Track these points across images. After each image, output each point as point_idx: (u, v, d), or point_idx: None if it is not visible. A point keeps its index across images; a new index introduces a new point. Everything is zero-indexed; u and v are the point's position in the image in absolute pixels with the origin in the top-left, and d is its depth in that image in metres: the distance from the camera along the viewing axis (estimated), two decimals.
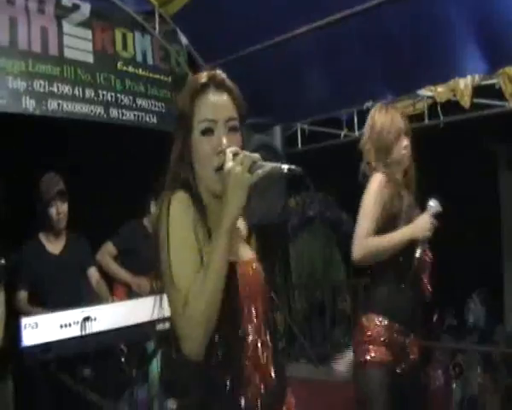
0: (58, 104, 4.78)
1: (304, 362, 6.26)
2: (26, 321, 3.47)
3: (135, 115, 5.34)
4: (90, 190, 5.06)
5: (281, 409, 1.88)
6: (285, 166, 1.69)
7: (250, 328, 1.78)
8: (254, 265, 1.84)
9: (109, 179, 5.43)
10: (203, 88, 1.82)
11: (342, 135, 6.31)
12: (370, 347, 2.89)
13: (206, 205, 1.82)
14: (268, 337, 1.83)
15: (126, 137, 5.50)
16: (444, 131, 5.47)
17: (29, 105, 4.58)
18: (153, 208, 4.85)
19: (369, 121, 3.15)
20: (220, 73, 1.87)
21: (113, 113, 5.18)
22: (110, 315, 3.82)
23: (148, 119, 5.44)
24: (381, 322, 2.91)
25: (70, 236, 4.45)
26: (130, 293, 4.71)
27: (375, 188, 2.96)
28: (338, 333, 6.99)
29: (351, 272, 7.51)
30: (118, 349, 3.94)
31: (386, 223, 2.92)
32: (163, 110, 5.59)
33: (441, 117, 5.44)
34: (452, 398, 5.41)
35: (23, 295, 4.16)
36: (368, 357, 2.89)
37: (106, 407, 3.88)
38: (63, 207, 4.30)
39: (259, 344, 1.80)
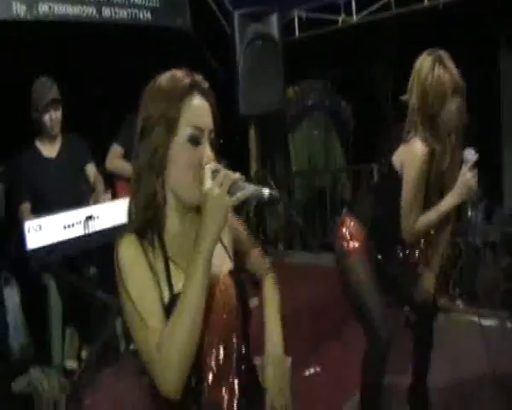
0: (49, 7, 4.68)
1: (305, 251, 6.39)
2: (29, 224, 3.49)
3: (128, 13, 5.21)
4: (86, 93, 4.97)
5: None
6: (266, 192, 1.59)
7: (211, 367, 1.72)
8: (224, 286, 1.75)
9: (105, 80, 5.35)
10: (190, 90, 1.67)
11: (340, 21, 6.18)
12: (352, 242, 3.11)
13: (166, 225, 1.71)
14: (233, 378, 1.77)
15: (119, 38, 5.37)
16: (443, 13, 5.36)
17: (20, 10, 4.50)
18: None
19: (415, 75, 2.94)
20: (203, 80, 1.72)
21: (106, 12, 5.06)
22: (112, 213, 3.84)
23: (141, 15, 5.32)
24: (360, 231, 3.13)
25: (65, 137, 4.41)
26: None
27: (417, 167, 2.88)
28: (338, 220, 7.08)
29: (350, 159, 7.54)
30: None
31: (431, 192, 2.96)
32: (157, 5, 5.45)
33: None
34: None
35: (26, 206, 4.14)
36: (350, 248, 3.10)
37: (113, 304, 3.98)
38: (57, 114, 4.25)
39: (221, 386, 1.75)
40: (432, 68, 2.86)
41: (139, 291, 1.60)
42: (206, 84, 1.71)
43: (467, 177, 2.91)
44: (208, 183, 1.59)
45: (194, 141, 1.66)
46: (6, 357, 3.70)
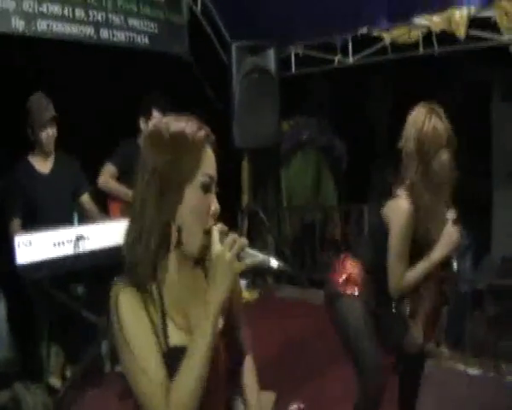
0: (47, 25, 4.73)
1: (293, 285, 6.38)
2: (19, 239, 3.52)
3: (126, 36, 5.28)
4: (81, 111, 5.00)
5: None
6: (274, 263, 1.63)
7: None
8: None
9: (99, 101, 5.37)
10: (206, 141, 1.70)
11: (336, 60, 6.27)
12: (351, 287, 3.07)
13: (164, 276, 1.71)
14: None
15: (116, 59, 5.41)
16: (438, 61, 5.45)
17: (18, 25, 4.54)
18: (142, 127, 4.82)
19: (411, 123, 2.96)
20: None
21: (104, 34, 5.11)
22: (103, 234, 3.87)
23: (139, 40, 5.38)
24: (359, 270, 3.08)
25: (59, 155, 4.45)
26: (125, 211, 4.73)
27: (402, 224, 2.90)
28: (327, 257, 7.10)
29: (342, 197, 7.58)
30: (111, 268, 4.00)
31: (418, 246, 2.94)
32: (156, 30, 5.50)
33: (436, 47, 5.41)
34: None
35: (17, 222, 4.16)
36: (349, 293, 3.06)
37: (100, 324, 3.97)
38: (53, 131, 4.30)
39: None
40: (429, 118, 2.89)
41: (138, 340, 1.62)
42: (213, 137, 1.74)
43: (450, 230, 2.95)
44: (218, 245, 1.62)
45: (206, 189, 1.68)
46: None
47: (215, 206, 1.70)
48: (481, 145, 6.86)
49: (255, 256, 1.63)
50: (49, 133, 4.26)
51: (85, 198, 4.54)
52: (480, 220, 6.65)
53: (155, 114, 4.64)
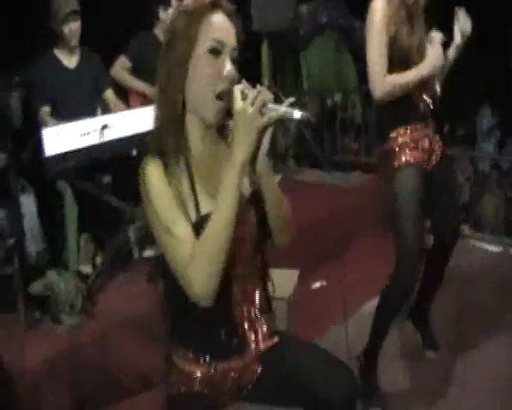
0: None
1: (315, 168, 6.43)
2: (47, 132, 3.55)
3: None
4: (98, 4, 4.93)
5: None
6: (298, 114, 1.59)
7: (239, 272, 1.81)
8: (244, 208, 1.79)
9: None
10: (212, 8, 1.72)
11: None
12: (401, 153, 2.98)
13: (190, 145, 1.77)
14: (256, 288, 1.89)
15: None
16: None
17: None
18: (162, 15, 4.80)
19: None
20: (228, 2, 1.77)
21: None
22: (126, 122, 3.89)
23: None
24: (406, 130, 2.98)
25: (84, 51, 4.48)
26: (145, 101, 4.76)
27: (376, 18, 2.83)
28: (348, 140, 7.10)
29: (362, 80, 7.49)
30: (134, 156, 4.07)
31: (398, 62, 2.87)
32: None
33: None
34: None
35: (45, 109, 4.25)
36: (403, 159, 2.97)
37: (127, 211, 4.07)
38: (76, 25, 4.29)
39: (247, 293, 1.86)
40: None
41: (166, 206, 1.68)
42: (230, 6, 1.76)
43: (436, 49, 2.90)
44: (239, 102, 1.62)
45: (215, 52, 1.70)
46: (23, 263, 3.81)
47: (228, 69, 1.71)
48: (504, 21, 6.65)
49: (278, 110, 1.62)
50: (71, 27, 4.26)
51: (109, 94, 4.58)
52: (505, 107, 6.55)
53: (174, 1, 4.60)
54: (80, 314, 3.59)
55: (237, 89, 1.65)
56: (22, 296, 3.49)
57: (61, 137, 3.57)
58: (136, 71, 4.83)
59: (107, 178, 4.22)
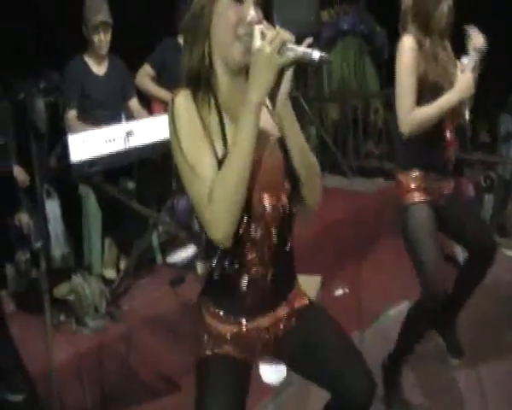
0: None
1: (336, 174, 6.42)
2: (72, 138, 3.61)
3: None
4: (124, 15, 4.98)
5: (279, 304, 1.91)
6: (316, 54, 1.56)
7: (259, 220, 1.76)
8: (272, 149, 1.78)
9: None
10: None
11: None
12: (411, 194, 2.99)
13: (219, 87, 1.78)
14: (275, 233, 1.80)
15: None
16: None
17: None
18: None
19: None
20: None
21: None
22: (150, 129, 3.94)
23: None
24: (416, 175, 2.99)
25: (112, 59, 4.52)
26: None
27: (407, 60, 2.84)
28: (370, 145, 7.10)
29: (384, 84, 7.48)
30: (157, 163, 4.13)
31: (429, 94, 2.85)
32: None
33: None
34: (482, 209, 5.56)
35: (73, 113, 4.30)
36: (411, 201, 2.99)
37: (151, 217, 4.12)
38: (106, 36, 4.34)
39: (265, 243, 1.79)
40: None
41: (191, 141, 1.66)
42: None
43: (466, 75, 2.87)
44: (258, 41, 1.61)
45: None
46: (48, 266, 3.86)
47: (251, 15, 1.71)
48: None
49: (297, 50, 1.59)
50: (101, 37, 4.32)
51: (134, 102, 4.64)
52: None
53: None
54: (104, 318, 3.65)
55: (257, 29, 1.64)
56: (48, 299, 3.53)
57: (87, 144, 3.63)
58: (161, 78, 4.87)
59: (131, 184, 4.27)
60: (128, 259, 4.17)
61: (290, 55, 1.58)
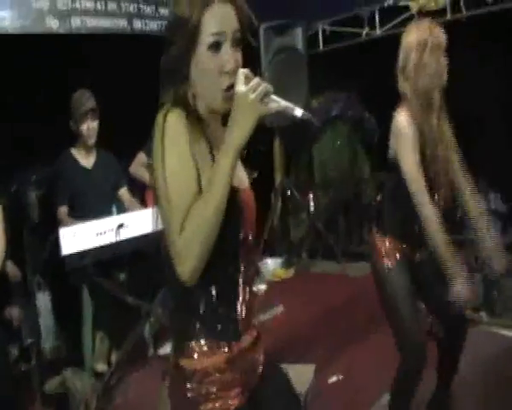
0: (81, 21, 4.81)
1: (328, 259, 6.43)
2: (64, 231, 3.63)
3: (157, 25, 5.35)
4: (116, 104, 5.09)
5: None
6: (299, 111, 1.59)
7: (245, 254, 1.77)
8: (250, 194, 1.81)
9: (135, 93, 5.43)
10: (207, 5, 1.66)
11: (364, 34, 6.28)
12: (386, 259, 3.02)
13: (206, 122, 1.73)
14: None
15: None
16: (466, 26, 5.38)
17: (53, 24, 4.64)
18: None
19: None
20: None
21: (137, 24, 5.19)
22: (141, 222, 3.97)
23: None
24: (390, 243, 3.03)
25: (100, 151, 4.55)
26: None
27: (405, 139, 2.87)
28: (364, 229, 7.13)
29: (374, 170, 7.57)
30: (149, 254, 4.13)
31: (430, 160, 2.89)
32: None
33: (464, 11, 5.37)
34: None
35: (63, 209, 4.30)
36: (385, 266, 3.02)
37: (143, 309, 4.11)
38: (94, 124, 4.38)
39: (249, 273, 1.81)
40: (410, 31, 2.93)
41: (176, 164, 1.60)
42: None
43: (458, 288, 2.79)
44: (241, 86, 1.59)
45: (215, 47, 1.67)
46: (38, 358, 3.82)
47: (230, 63, 1.67)
48: None
49: (280, 102, 1.60)
50: (89, 126, 4.35)
51: (124, 192, 4.65)
52: None
53: None
54: None
55: (241, 72, 1.62)
56: (39, 394, 3.50)
57: (78, 237, 3.65)
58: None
59: (123, 276, 4.26)
60: (120, 352, 4.12)
61: (273, 106, 1.59)
